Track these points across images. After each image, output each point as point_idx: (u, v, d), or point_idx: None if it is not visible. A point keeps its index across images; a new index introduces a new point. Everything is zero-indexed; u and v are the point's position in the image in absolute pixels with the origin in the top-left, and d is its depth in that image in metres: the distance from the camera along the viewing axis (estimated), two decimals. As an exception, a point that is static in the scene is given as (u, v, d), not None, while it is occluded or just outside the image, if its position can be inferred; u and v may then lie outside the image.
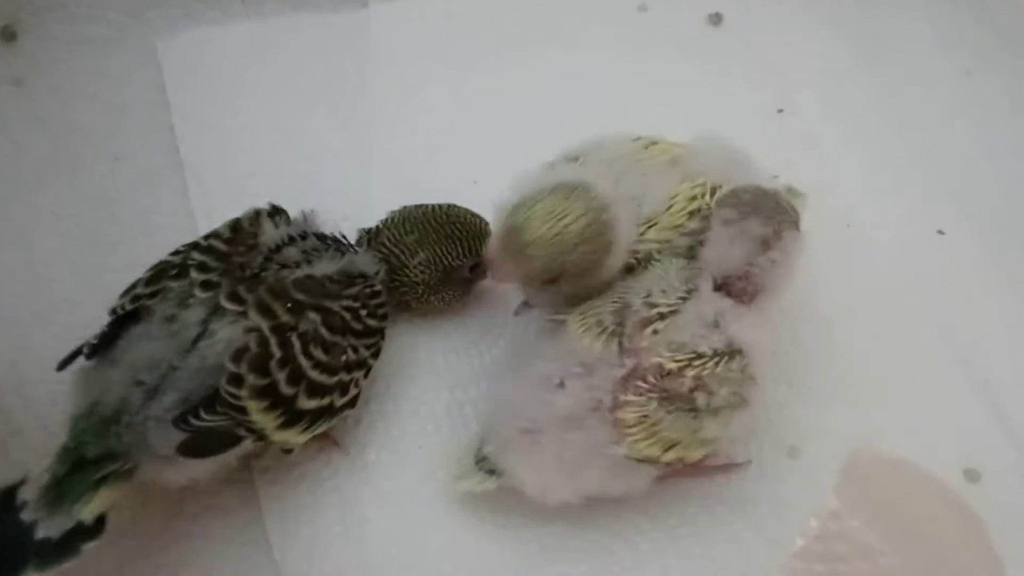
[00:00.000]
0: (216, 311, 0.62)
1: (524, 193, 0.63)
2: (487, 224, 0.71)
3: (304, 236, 0.68)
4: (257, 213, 0.69)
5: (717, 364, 0.60)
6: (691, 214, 0.65)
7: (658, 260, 0.64)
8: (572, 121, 0.75)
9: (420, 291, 0.71)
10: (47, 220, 0.79)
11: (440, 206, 0.72)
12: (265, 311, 0.62)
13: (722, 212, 0.63)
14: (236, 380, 0.60)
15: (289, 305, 0.62)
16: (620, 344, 0.60)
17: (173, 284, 0.63)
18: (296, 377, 0.62)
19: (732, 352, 0.61)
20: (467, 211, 0.72)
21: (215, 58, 0.87)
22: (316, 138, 0.84)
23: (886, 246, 0.80)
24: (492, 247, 0.64)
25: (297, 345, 0.62)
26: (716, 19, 0.92)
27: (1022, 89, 0.87)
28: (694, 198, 0.65)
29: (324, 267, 0.66)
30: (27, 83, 0.85)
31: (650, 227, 0.65)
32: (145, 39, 0.88)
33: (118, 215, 0.80)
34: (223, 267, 0.64)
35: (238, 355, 0.60)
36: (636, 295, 0.62)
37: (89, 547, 0.59)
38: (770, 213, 0.62)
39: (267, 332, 0.61)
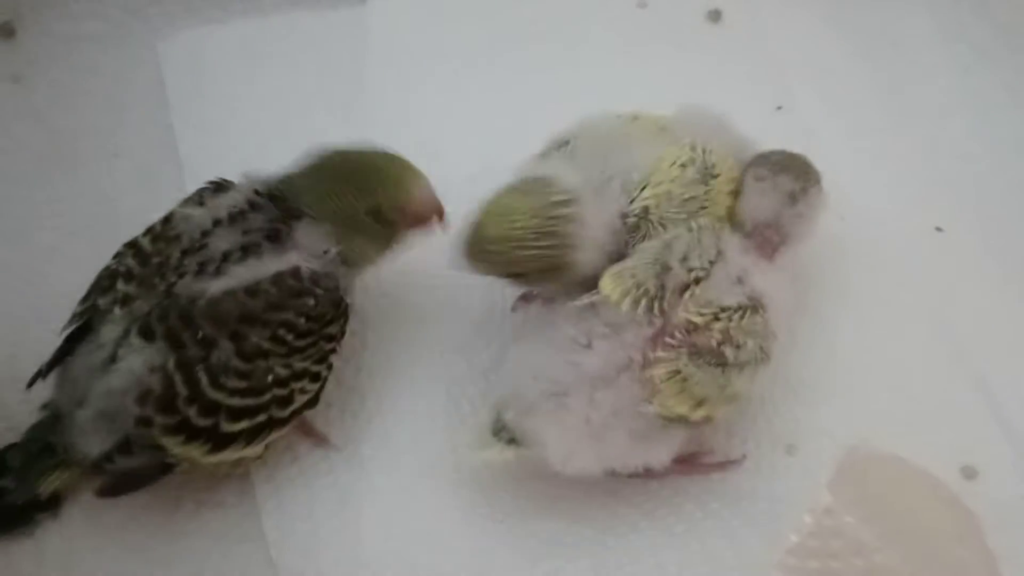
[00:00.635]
0: (127, 335, 0.61)
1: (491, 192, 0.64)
2: (395, 165, 0.65)
3: (243, 212, 0.64)
4: (199, 193, 0.67)
5: (742, 317, 0.62)
6: (683, 166, 0.66)
7: (657, 216, 0.65)
8: (570, 117, 0.75)
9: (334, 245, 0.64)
10: (45, 216, 0.79)
11: (350, 149, 0.66)
12: (174, 342, 0.60)
13: (754, 170, 0.68)
14: (145, 422, 0.60)
15: (200, 336, 0.60)
16: (660, 307, 0.62)
17: (100, 300, 0.64)
18: (210, 408, 0.61)
19: (755, 306, 0.63)
20: (375, 155, 0.65)
21: (214, 55, 0.87)
22: (314, 134, 0.83)
23: (884, 242, 0.80)
24: (461, 243, 0.64)
25: (205, 379, 0.60)
26: (715, 15, 0.92)
27: (1022, 85, 0.87)
28: (683, 155, 0.66)
29: (257, 268, 0.62)
30: (26, 79, 0.85)
31: (643, 188, 0.65)
32: (144, 36, 0.88)
33: (116, 211, 0.80)
34: (142, 273, 0.63)
35: (143, 398, 0.60)
36: (674, 258, 0.63)
37: (43, 519, 0.66)
38: (798, 172, 0.68)
39: (172, 369, 0.60)
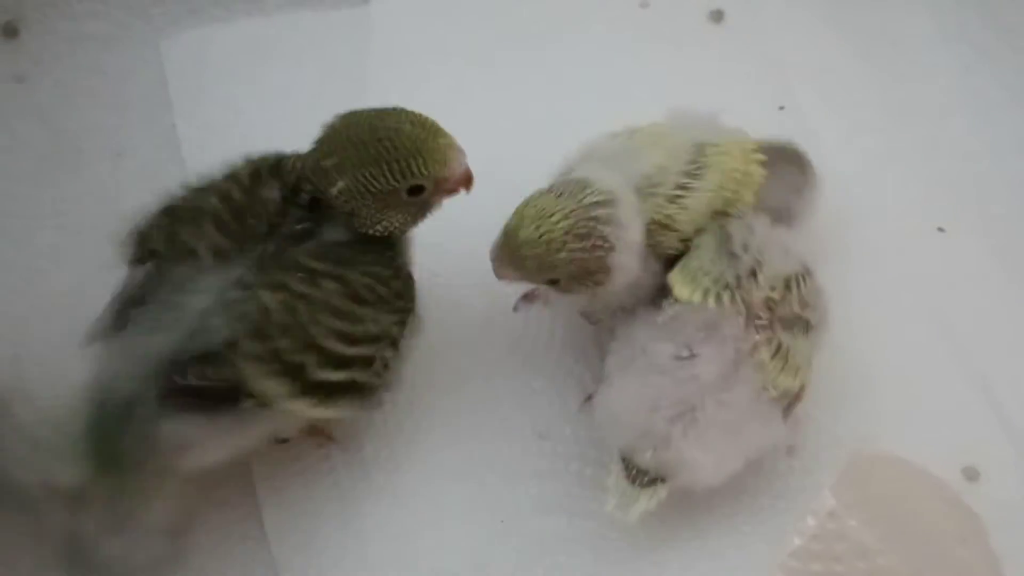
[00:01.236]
0: (222, 296, 0.59)
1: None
2: (429, 134, 0.62)
3: (298, 191, 0.63)
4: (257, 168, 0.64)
5: (805, 282, 0.66)
6: (691, 151, 0.66)
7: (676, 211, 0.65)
8: (573, 117, 0.75)
9: (357, 223, 0.63)
10: (48, 215, 0.79)
11: (371, 117, 0.62)
12: (276, 287, 0.59)
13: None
14: (231, 346, 0.57)
15: (301, 275, 0.59)
16: (741, 295, 0.63)
17: (184, 232, 0.62)
18: (303, 344, 0.59)
19: (808, 269, 0.67)
20: (401, 121, 0.62)
21: (217, 55, 0.87)
22: (316, 135, 0.84)
23: (886, 242, 0.80)
24: (494, 248, 0.64)
25: (304, 311, 0.59)
26: (717, 16, 0.92)
27: (1023, 84, 0.87)
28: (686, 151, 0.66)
29: (335, 232, 0.62)
30: (29, 79, 0.85)
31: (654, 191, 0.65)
32: (147, 36, 0.88)
33: (119, 211, 0.79)
34: (238, 229, 0.61)
35: (235, 319, 0.57)
36: (736, 246, 0.65)
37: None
38: (800, 161, 0.74)
39: (272, 303, 0.58)
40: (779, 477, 0.70)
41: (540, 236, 0.61)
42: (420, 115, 0.63)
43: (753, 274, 0.64)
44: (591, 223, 0.61)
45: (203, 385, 0.58)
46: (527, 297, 0.75)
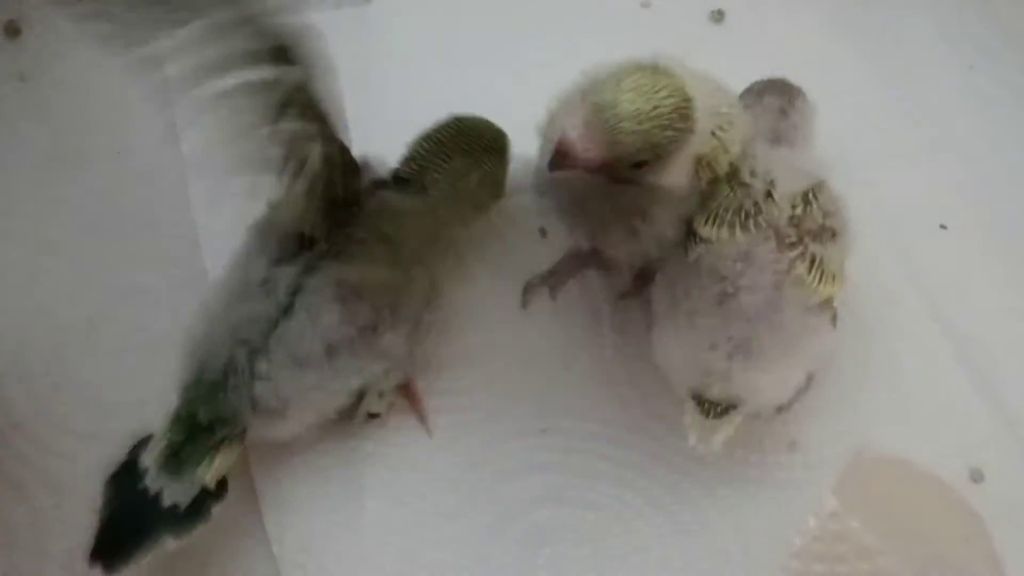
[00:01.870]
0: (308, 270, 0.62)
1: (597, 76, 0.61)
2: (497, 132, 0.73)
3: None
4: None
5: (821, 192, 0.67)
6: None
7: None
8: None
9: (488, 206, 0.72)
10: (49, 214, 0.79)
11: (448, 125, 0.72)
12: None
13: (742, 99, 0.74)
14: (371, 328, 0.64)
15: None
16: (766, 220, 0.65)
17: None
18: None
19: (819, 183, 0.67)
20: (472, 119, 0.72)
21: (218, 54, 0.88)
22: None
23: (889, 241, 0.80)
24: (572, 130, 0.59)
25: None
26: (718, 16, 0.92)
27: (1025, 83, 0.87)
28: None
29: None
30: (31, 78, 0.85)
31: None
32: (148, 35, 0.88)
33: (120, 209, 0.80)
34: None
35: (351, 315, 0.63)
36: (746, 175, 0.66)
37: (217, 509, 0.61)
38: (781, 88, 0.75)
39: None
40: (781, 471, 0.70)
41: (653, 109, 0.58)
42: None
43: (769, 195, 0.65)
44: (689, 104, 0.59)
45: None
46: (550, 280, 0.75)
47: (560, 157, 0.59)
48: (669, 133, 0.59)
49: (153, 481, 0.60)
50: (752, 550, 0.67)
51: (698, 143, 0.62)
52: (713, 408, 0.64)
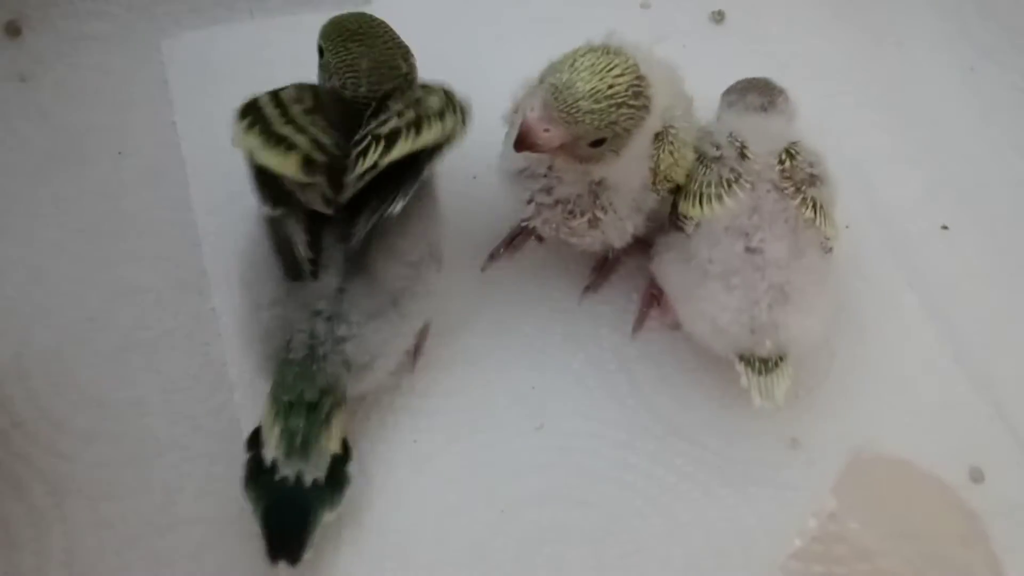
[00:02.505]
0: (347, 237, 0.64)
1: (552, 61, 0.62)
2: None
3: None
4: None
5: (799, 148, 0.70)
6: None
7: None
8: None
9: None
10: (50, 214, 0.79)
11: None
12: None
13: (725, 97, 0.77)
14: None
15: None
16: (748, 180, 0.68)
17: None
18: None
19: (796, 142, 0.71)
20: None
21: (218, 55, 0.88)
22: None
23: (890, 241, 0.80)
24: (531, 112, 0.61)
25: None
26: (719, 16, 0.92)
27: (1026, 85, 0.87)
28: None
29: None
30: (32, 78, 0.86)
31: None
32: (149, 36, 0.88)
33: (120, 209, 0.80)
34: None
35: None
36: (713, 148, 0.70)
37: (352, 468, 0.64)
38: (763, 88, 0.77)
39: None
40: (781, 472, 0.70)
41: (608, 87, 0.59)
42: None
43: (743, 154, 0.69)
44: (642, 82, 0.61)
45: None
46: (493, 256, 0.76)
47: (522, 138, 0.61)
48: (625, 110, 0.60)
49: (287, 468, 0.63)
50: (751, 550, 0.67)
51: (657, 120, 0.64)
52: (764, 364, 0.66)
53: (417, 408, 0.72)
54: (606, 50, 0.61)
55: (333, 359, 0.64)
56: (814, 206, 0.68)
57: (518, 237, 0.78)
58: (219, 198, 0.80)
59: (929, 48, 0.90)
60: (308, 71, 0.87)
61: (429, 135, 0.65)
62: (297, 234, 0.64)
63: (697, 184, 0.69)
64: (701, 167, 0.70)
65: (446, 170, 0.79)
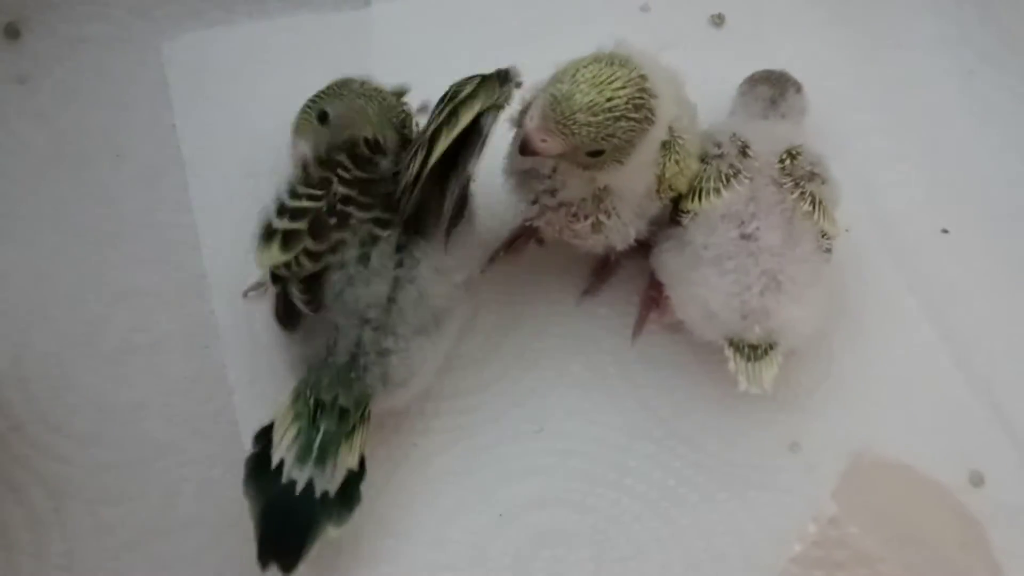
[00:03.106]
0: (402, 246, 0.65)
1: (557, 69, 0.62)
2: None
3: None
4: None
5: (801, 151, 0.71)
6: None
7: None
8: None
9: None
10: (49, 216, 0.79)
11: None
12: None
13: (740, 87, 0.80)
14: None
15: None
16: (745, 175, 0.69)
17: (340, 234, 0.65)
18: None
19: (799, 145, 0.72)
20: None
21: (217, 57, 0.88)
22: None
23: (889, 244, 0.80)
24: (530, 121, 0.61)
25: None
26: (719, 20, 0.92)
27: (1025, 88, 0.87)
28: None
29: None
30: (31, 80, 0.85)
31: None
32: (148, 38, 0.88)
33: (120, 212, 0.80)
34: (379, 202, 0.66)
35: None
36: (713, 146, 0.71)
37: (363, 487, 0.63)
38: (775, 80, 0.79)
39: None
40: (781, 476, 0.70)
41: (607, 100, 0.59)
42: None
43: (744, 152, 0.70)
44: (645, 94, 0.61)
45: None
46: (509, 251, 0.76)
47: (523, 146, 0.62)
48: (623, 123, 0.60)
49: (296, 473, 0.61)
50: (751, 555, 0.67)
51: (663, 130, 0.64)
52: (753, 351, 0.67)
53: (416, 411, 0.72)
54: (610, 61, 0.61)
55: (373, 371, 0.64)
56: (813, 200, 0.69)
57: (518, 240, 0.78)
58: (218, 200, 0.80)
59: (928, 52, 0.90)
60: (308, 73, 0.87)
61: (468, 115, 0.62)
62: (290, 286, 0.65)
63: (698, 180, 0.70)
64: (702, 165, 0.70)
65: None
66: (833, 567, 0.66)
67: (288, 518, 0.61)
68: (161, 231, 0.79)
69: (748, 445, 0.71)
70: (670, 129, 0.66)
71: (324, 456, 0.62)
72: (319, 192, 0.66)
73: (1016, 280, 0.79)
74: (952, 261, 0.80)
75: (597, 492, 0.69)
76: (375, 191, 0.67)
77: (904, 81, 0.89)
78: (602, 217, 0.67)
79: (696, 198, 0.69)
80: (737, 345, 0.67)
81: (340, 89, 0.74)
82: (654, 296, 0.75)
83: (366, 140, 0.70)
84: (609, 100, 0.59)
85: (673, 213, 0.71)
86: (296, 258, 0.65)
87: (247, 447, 0.69)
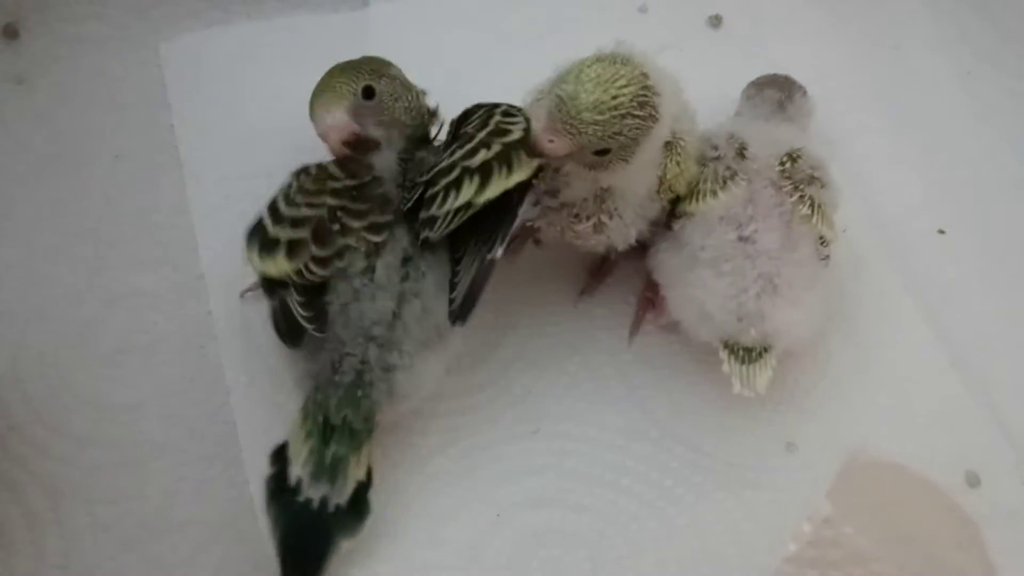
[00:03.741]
0: (408, 259, 0.65)
1: (559, 71, 0.62)
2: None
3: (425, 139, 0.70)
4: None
5: (802, 154, 0.71)
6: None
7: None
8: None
9: None
10: (47, 217, 0.79)
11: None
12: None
13: (746, 90, 0.80)
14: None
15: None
16: (743, 177, 0.69)
17: (345, 240, 0.65)
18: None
19: (799, 148, 0.71)
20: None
21: (215, 58, 0.88)
22: (315, 138, 0.84)
23: (886, 244, 0.80)
24: (537, 122, 0.62)
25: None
26: (716, 21, 0.92)
27: (1023, 88, 0.87)
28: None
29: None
30: (29, 81, 0.85)
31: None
32: (146, 38, 0.88)
33: (118, 213, 0.80)
34: (371, 205, 0.65)
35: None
36: (710, 150, 0.70)
37: (371, 496, 0.64)
38: (782, 83, 0.79)
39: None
40: (776, 475, 0.70)
41: (612, 99, 0.60)
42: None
43: (742, 154, 0.70)
44: (649, 92, 0.61)
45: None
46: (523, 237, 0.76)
47: (531, 147, 0.62)
48: (629, 121, 0.61)
49: (312, 491, 0.62)
50: (746, 554, 0.67)
51: (666, 128, 0.64)
52: (748, 353, 0.67)
53: (414, 411, 0.72)
54: (613, 60, 0.61)
55: (380, 387, 0.64)
56: (812, 204, 0.69)
57: (515, 240, 0.78)
58: (216, 201, 0.80)
59: (926, 52, 0.90)
60: (306, 73, 0.87)
61: (520, 173, 0.63)
62: (292, 298, 0.64)
63: (696, 182, 0.70)
64: (700, 168, 0.70)
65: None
66: (828, 567, 0.66)
67: (307, 536, 0.62)
68: (159, 232, 0.79)
69: (744, 445, 0.72)
70: (672, 130, 0.66)
71: (335, 472, 0.63)
72: (317, 200, 0.66)
73: (1013, 280, 0.79)
74: (949, 261, 0.80)
75: (594, 492, 0.69)
76: (368, 193, 0.67)
77: (902, 81, 0.89)
78: (604, 218, 0.68)
79: (693, 200, 0.69)
80: (732, 347, 0.68)
81: (380, 68, 0.72)
82: (650, 297, 0.75)
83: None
84: (614, 98, 0.60)
85: (669, 216, 0.71)
86: (305, 265, 0.65)
87: (244, 447, 0.69)
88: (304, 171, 0.69)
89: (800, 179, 0.69)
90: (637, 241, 0.72)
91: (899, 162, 0.85)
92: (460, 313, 0.64)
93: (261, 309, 0.72)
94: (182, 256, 0.78)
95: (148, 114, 0.85)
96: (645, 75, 0.62)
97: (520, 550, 0.67)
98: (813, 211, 0.69)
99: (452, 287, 0.65)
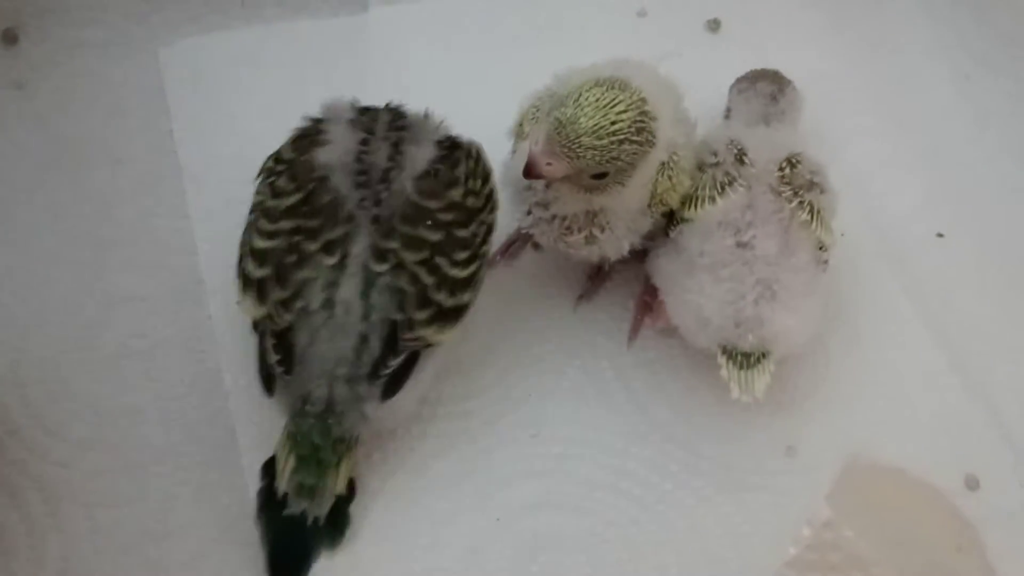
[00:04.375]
0: (368, 278, 0.63)
1: (558, 92, 0.63)
2: None
3: (372, 124, 0.68)
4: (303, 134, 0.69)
5: (801, 159, 0.71)
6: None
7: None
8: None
9: None
10: (47, 221, 0.80)
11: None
12: (414, 245, 0.63)
13: (736, 85, 0.81)
14: (409, 325, 0.63)
15: (429, 223, 0.64)
16: (742, 184, 0.69)
17: (302, 273, 0.63)
18: (454, 287, 0.65)
19: (799, 153, 0.71)
20: None
21: (215, 62, 0.88)
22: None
23: (885, 248, 0.81)
24: (535, 145, 0.62)
25: (445, 263, 0.64)
26: (714, 25, 0.92)
27: (1021, 92, 0.87)
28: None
29: (418, 156, 0.67)
30: (28, 86, 0.86)
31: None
32: (145, 43, 0.88)
33: (117, 217, 0.80)
34: (323, 220, 0.64)
35: (400, 304, 0.63)
36: (709, 155, 0.71)
37: (352, 508, 0.66)
38: (773, 77, 0.80)
39: (417, 269, 0.63)
40: (776, 479, 0.70)
41: (611, 124, 0.60)
42: None
43: (740, 159, 0.70)
44: (646, 117, 0.62)
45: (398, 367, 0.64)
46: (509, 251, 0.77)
47: (527, 169, 0.63)
48: (627, 147, 0.61)
49: (295, 504, 0.64)
50: (746, 558, 0.67)
51: (663, 151, 0.65)
52: (746, 359, 0.67)
53: (412, 416, 0.72)
54: (612, 84, 0.62)
55: (351, 416, 0.64)
56: (811, 210, 0.69)
57: (515, 244, 0.79)
58: (216, 206, 0.80)
59: (924, 56, 0.90)
60: (305, 78, 0.88)
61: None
62: (267, 340, 0.64)
63: (695, 188, 0.70)
64: (699, 173, 0.70)
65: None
66: (827, 570, 0.66)
67: (291, 550, 0.64)
68: (158, 236, 0.79)
69: (744, 449, 0.72)
70: (668, 151, 0.67)
71: (313, 490, 0.64)
72: (275, 227, 0.65)
73: (1011, 284, 0.79)
74: (948, 265, 0.80)
75: (594, 496, 0.69)
76: (317, 204, 0.65)
77: (900, 85, 0.89)
78: (595, 231, 0.68)
79: (692, 206, 0.69)
80: (730, 353, 0.68)
81: None
82: (648, 300, 0.76)
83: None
84: (613, 123, 0.61)
85: (667, 226, 0.71)
86: (275, 309, 0.64)
87: (243, 451, 0.69)
88: (269, 175, 0.68)
89: (800, 185, 0.70)
90: (633, 249, 0.72)
91: (897, 166, 0.85)
92: (387, 390, 0.64)
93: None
94: (181, 261, 0.78)
95: (148, 119, 0.85)
96: (643, 100, 0.62)
97: (520, 554, 0.67)
98: (812, 217, 0.69)
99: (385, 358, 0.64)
